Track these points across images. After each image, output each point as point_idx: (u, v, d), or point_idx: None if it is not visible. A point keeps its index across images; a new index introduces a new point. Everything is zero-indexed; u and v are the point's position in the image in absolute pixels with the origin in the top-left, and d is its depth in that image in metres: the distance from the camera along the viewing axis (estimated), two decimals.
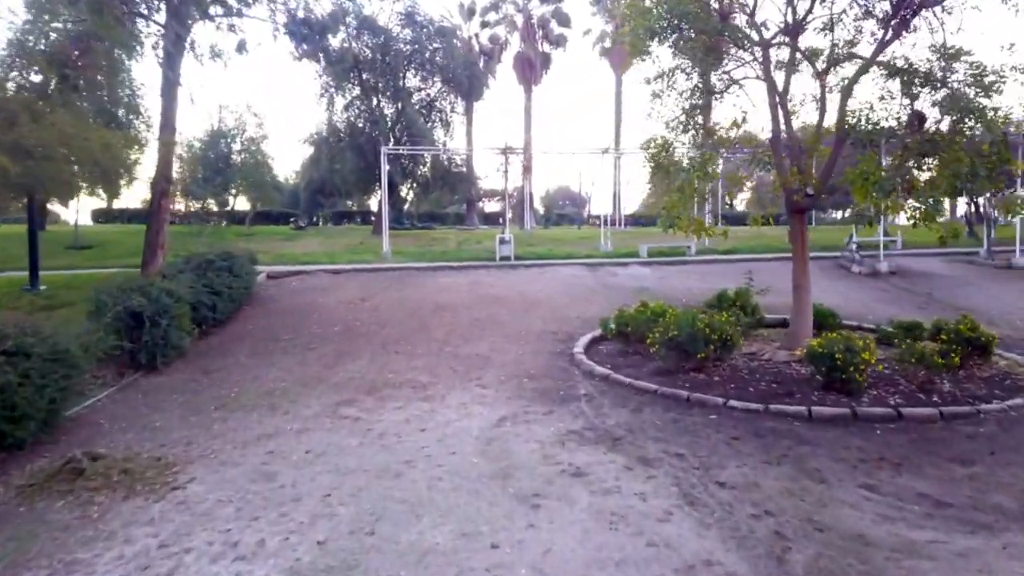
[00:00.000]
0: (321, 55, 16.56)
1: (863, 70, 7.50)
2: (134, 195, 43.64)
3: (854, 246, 15.84)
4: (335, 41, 22.05)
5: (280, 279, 14.45)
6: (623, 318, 8.73)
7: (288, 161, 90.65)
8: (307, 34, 14.75)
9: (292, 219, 34.18)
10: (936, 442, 5.43)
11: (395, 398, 6.95)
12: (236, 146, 30.49)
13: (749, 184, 35.95)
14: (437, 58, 23.41)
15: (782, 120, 8.00)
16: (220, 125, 32.11)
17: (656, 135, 8.72)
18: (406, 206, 42.65)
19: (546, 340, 9.54)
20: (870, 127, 7.35)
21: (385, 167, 17.85)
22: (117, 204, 37.01)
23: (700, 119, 7.79)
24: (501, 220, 22.31)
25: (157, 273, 10.98)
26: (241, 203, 41.22)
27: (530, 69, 34.29)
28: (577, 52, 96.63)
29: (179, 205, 33.77)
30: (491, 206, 44.86)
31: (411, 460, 5.13)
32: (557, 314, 10.98)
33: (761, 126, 8.16)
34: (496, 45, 34.71)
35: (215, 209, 31.80)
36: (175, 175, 35.66)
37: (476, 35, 34.66)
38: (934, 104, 7.10)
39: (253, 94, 69.50)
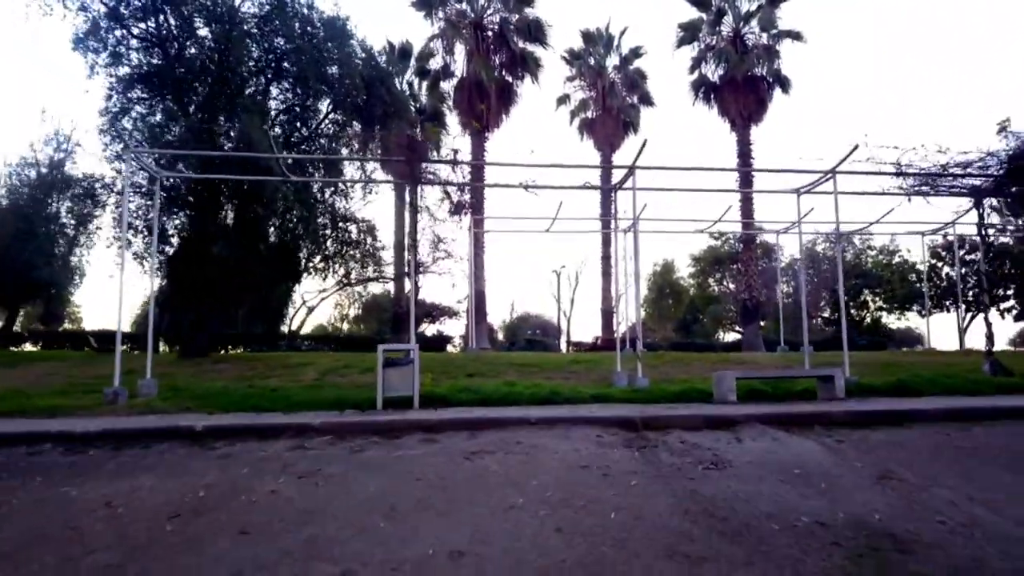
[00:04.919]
0: None
1: None
2: None
3: None
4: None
5: None
6: None
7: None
8: None
9: (88, 338, 24.87)
10: None
11: None
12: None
13: None
14: (329, 67, 14.67)
15: None
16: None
17: None
18: (308, 324, 32.46)
19: None
20: None
21: (125, 187, 8.36)
22: None
23: None
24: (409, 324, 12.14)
25: None
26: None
27: (481, 99, 23.98)
28: (551, 93, 75.05)
29: None
30: (446, 327, 34.98)
31: None
32: None
33: None
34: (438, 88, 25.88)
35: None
36: None
37: (411, 84, 26.26)
38: None
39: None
